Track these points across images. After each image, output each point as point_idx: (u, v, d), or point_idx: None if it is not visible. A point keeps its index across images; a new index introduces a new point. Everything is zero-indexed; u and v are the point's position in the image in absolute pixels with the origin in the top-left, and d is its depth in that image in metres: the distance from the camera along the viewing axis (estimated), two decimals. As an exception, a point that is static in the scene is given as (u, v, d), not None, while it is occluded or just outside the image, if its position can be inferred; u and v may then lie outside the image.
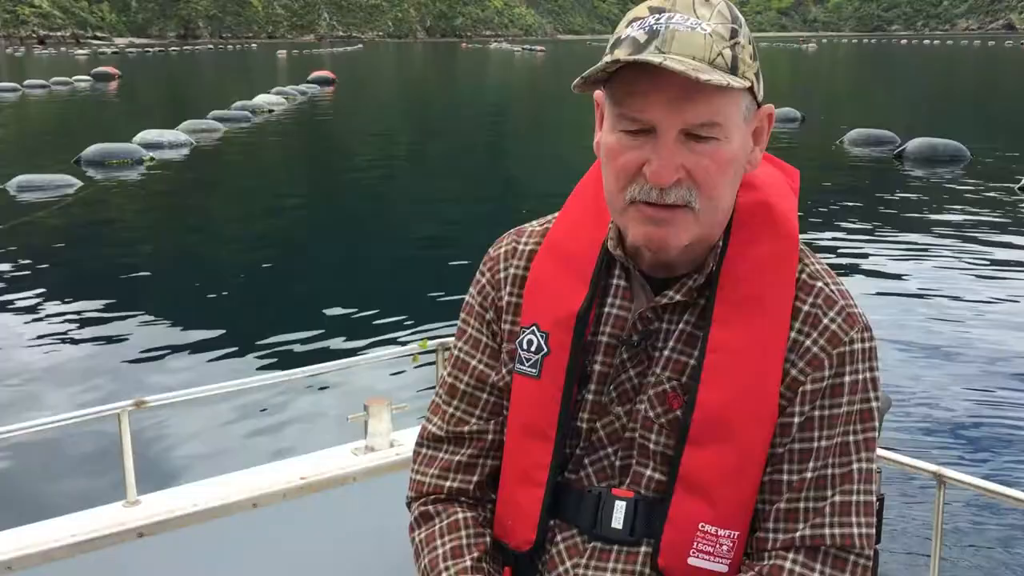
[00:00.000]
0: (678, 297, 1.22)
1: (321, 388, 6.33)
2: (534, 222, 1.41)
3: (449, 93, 46.56)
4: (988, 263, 10.01)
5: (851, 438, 1.20)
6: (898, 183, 15.67)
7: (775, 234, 1.24)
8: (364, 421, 2.47)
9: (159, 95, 45.33)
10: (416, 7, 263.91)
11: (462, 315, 1.41)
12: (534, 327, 1.29)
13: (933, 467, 1.92)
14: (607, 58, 1.10)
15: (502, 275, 1.36)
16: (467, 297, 1.41)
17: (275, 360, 7.11)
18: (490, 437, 1.36)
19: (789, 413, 1.19)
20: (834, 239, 11.11)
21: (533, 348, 1.29)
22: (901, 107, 33.31)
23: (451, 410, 1.37)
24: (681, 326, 1.24)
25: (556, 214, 1.39)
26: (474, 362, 1.37)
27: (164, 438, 5.63)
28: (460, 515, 1.34)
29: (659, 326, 1.25)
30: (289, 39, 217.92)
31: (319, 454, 2.46)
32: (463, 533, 1.32)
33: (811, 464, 1.19)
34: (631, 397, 1.25)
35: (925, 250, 10.64)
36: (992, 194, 14.31)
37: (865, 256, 10.38)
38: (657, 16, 1.12)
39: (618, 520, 1.23)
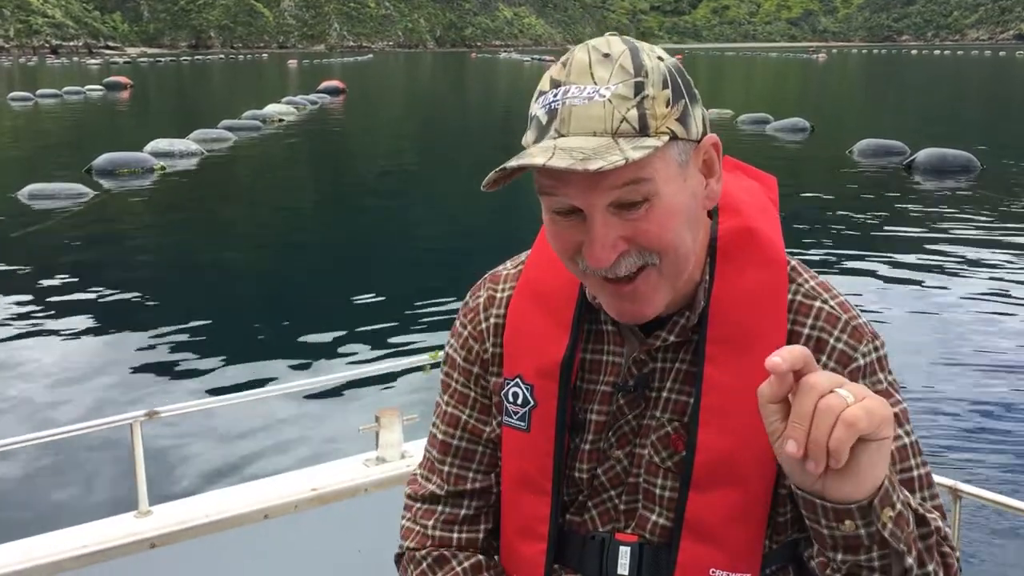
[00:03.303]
0: (671, 338, 1.19)
1: (332, 399, 6.33)
2: (507, 263, 1.36)
3: (458, 102, 46.67)
4: (1000, 273, 9.95)
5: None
6: (908, 194, 15.63)
7: (761, 261, 1.19)
8: (375, 432, 2.47)
9: (170, 105, 45.60)
10: (426, 17, 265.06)
11: (445, 368, 1.36)
12: (518, 379, 1.25)
13: (949, 482, 1.90)
14: (508, 162, 1.05)
15: (483, 326, 1.31)
16: (447, 349, 1.36)
17: (286, 371, 7.11)
18: (495, 491, 1.32)
19: None
20: (843, 250, 11.08)
21: (519, 401, 1.25)
22: (911, 117, 33.23)
23: (447, 468, 1.33)
24: (677, 365, 1.20)
25: (529, 252, 1.33)
26: (465, 416, 1.32)
27: (176, 449, 5.63)
28: (480, 558, 1.31)
29: (653, 366, 1.21)
30: (300, 49, 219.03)
31: (330, 465, 2.46)
32: (487, 575, 1.30)
33: None
34: (630, 439, 1.22)
35: (936, 261, 10.59)
36: (1003, 204, 14.25)
37: (875, 267, 10.34)
38: (555, 92, 1.06)
39: (623, 566, 1.20)
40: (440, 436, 1.34)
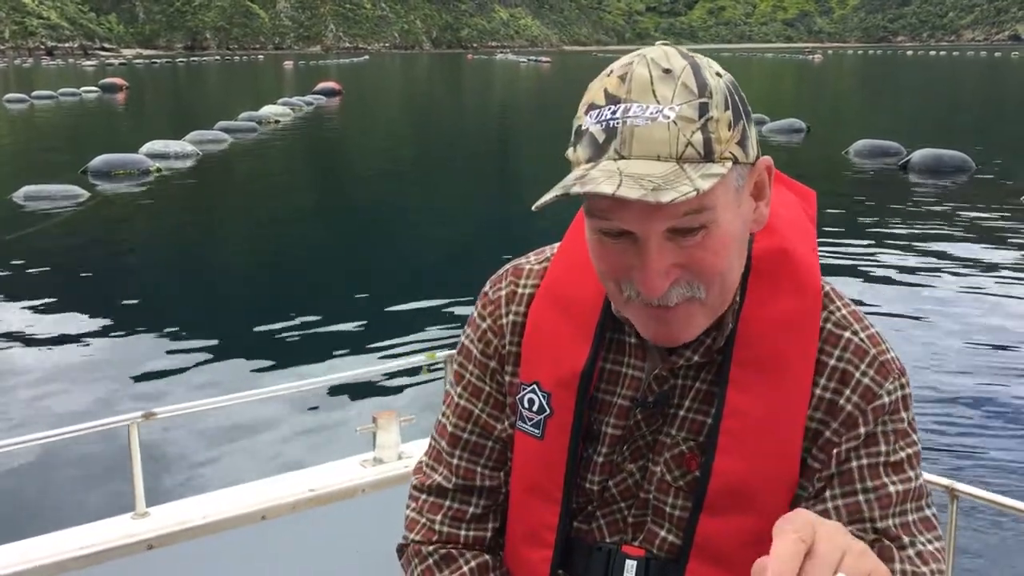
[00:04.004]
0: (696, 358, 1.15)
1: (329, 400, 6.33)
2: (531, 256, 1.32)
3: (455, 103, 46.67)
4: (995, 273, 9.99)
5: (896, 488, 1.11)
6: (903, 194, 15.67)
7: (796, 287, 1.15)
8: (372, 433, 2.47)
9: (166, 106, 45.58)
10: (422, 19, 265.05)
11: (459, 359, 1.32)
12: (535, 385, 1.23)
13: (946, 481, 1.90)
14: (571, 186, 0.98)
15: (504, 321, 1.28)
16: (463, 339, 1.32)
17: (283, 372, 7.11)
18: (503, 491, 1.30)
19: (827, 476, 1.13)
20: (839, 250, 11.09)
21: (535, 408, 1.22)
22: (907, 118, 33.31)
23: (455, 460, 1.30)
24: (697, 384, 1.17)
25: (555, 246, 1.30)
26: (477, 411, 1.30)
27: (173, 450, 5.63)
28: (487, 558, 1.30)
29: (674, 383, 1.18)
30: (296, 50, 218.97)
31: (328, 466, 2.46)
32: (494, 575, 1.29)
33: (866, 517, 1.11)
34: (644, 454, 1.20)
35: (932, 260, 10.62)
36: (997, 204, 14.29)
37: (871, 267, 10.36)
38: (613, 108, 1.00)
39: None
40: (450, 428, 1.31)
